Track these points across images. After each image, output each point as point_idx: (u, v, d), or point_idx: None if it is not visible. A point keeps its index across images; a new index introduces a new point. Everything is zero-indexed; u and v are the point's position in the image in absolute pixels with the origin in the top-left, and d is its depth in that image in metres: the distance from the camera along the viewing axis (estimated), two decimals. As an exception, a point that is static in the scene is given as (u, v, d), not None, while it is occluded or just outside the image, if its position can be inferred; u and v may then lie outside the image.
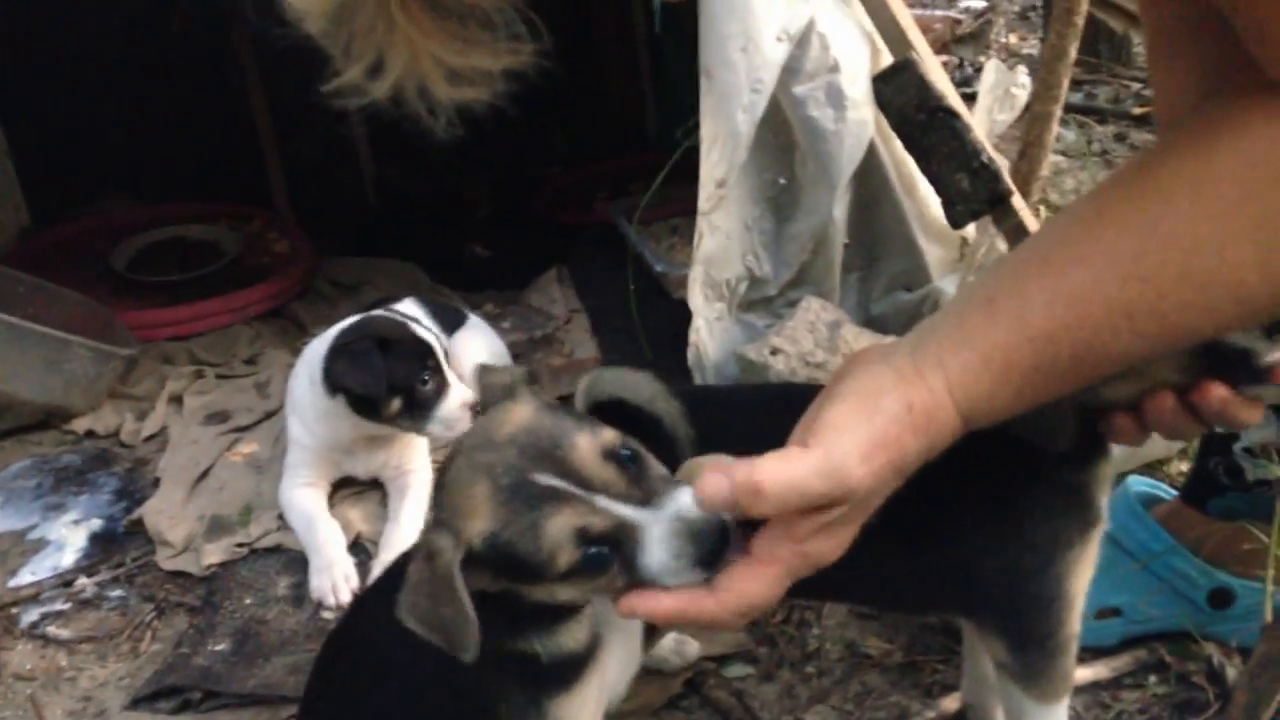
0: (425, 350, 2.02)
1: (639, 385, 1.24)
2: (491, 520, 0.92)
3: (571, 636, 1.07)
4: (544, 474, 0.92)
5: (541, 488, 0.92)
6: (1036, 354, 0.90)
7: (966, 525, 1.20)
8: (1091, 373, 0.92)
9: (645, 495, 0.93)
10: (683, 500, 0.92)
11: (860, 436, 0.90)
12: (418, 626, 0.94)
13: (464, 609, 0.92)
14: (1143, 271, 0.87)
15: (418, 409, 2.02)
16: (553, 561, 0.92)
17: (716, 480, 0.88)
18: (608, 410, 1.22)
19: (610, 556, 0.92)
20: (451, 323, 2.41)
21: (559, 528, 0.91)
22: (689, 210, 2.38)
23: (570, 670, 1.09)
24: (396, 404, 2.01)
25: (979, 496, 1.18)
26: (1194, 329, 0.90)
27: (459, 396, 2.04)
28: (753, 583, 0.91)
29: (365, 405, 2.02)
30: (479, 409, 2.00)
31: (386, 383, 1.97)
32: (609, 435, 0.96)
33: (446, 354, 2.10)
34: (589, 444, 0.94)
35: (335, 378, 2.00)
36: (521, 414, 0.97)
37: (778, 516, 0.91)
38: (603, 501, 0.91)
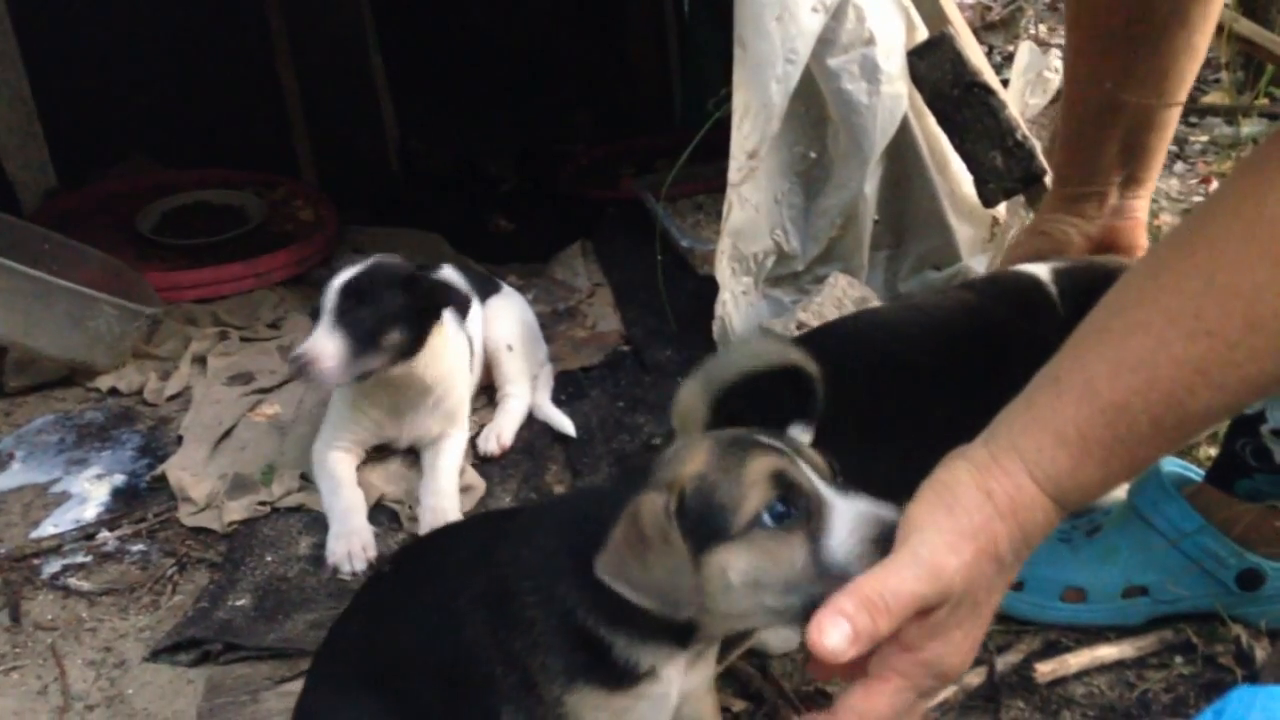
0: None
1: (763, 350, 1.32)
2: (705, 463, 1.00)
3: (650, 655, 1.07)
4: (766, 436, 1.03)
5: (759, 442, 1.02)
6: (1111, 425, 0.88)
7: None
8: (1179, 434, 0.90)
9: (841, 488, 1.00)
10: (865, 504, 0.99)
11: (943, 528, 0.89)
12: (628, 589, 0.97)
13: (680, 556, 0.96)
14: (1207, 326, 0.85)
15: None
16: (746, 499, 0.96)
17: (831, 618, 0.87)
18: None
19: (796, 517, 0.97)
20: (485, 291, 2.41)
21: (761, 464, 0.98)
22: (713, 187, 2.36)
23: (623, 676, 1.08)
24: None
25: None
26: (1273, 375, 0.87)
27: None
28: (870, 698, 0.90)
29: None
30: None
31: None
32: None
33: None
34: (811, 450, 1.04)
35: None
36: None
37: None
38: (808, 470, 1.00)
